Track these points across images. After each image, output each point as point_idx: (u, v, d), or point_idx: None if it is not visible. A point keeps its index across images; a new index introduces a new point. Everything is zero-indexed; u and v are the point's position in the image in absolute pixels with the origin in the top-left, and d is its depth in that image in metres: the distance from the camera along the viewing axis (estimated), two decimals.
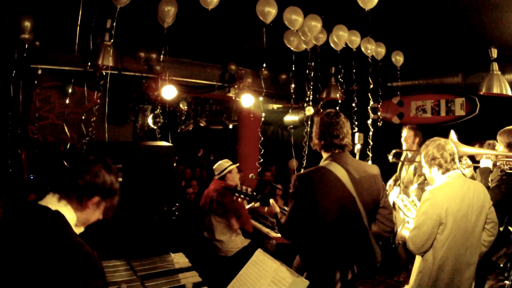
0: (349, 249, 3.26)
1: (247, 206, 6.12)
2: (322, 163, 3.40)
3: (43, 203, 2.09)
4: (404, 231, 3.94)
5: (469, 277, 3.61)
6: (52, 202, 2.10)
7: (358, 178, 3.29)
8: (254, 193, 3.94)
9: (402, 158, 6.73)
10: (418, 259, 3.76)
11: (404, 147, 6.65)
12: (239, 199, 3.91)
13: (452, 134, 4.33)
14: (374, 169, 3.47)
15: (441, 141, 3.74)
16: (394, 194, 4.61)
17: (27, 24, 5.56)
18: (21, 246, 1.92)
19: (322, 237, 3.21)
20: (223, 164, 5.99)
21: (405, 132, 6.63)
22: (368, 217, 3.33)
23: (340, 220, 3.20)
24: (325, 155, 3.45)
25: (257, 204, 6.16)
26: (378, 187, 3.40)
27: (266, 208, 3.84)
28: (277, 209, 3.70)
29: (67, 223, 2.07)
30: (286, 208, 3.76)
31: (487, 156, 4.39)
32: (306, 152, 7.17)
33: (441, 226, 3.51)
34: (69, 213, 2.11)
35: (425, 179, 4.19)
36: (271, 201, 3.76)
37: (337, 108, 6.77)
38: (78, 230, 2.19)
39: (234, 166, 6.02)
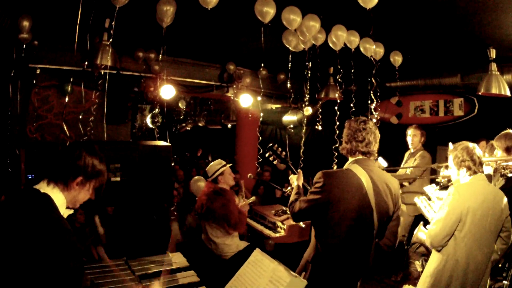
0: (354, 254, 3.31)
1: (246, 202, 6.08)
2: (347, 165, 3.44)
3: (36, 187, 2.29)
4: (420, 233, 4.03)
5: (484, 278, 3.68)
6: (42, 186, 2.29)
7: (380, 187, 3.32)
8: (287, 158, 4.09)
9: (406, 156, 7.04)
10: (434, 254, 3.80)
11: (410, 146, 6.95)
12: (270, 158, 4.02)
13: (450, 146, 4.37)
14: (395, 183, 3.49)
15: (469, 145, 3.82)
16: None
17: (26, 23, 5.55)
18: (8, 224, 2.10)
19: (333, 236, 3.26)
20: (214, 166, 5.77)
21: (412, 131, 6.92)
22: (379, 228, 3.36)
23: (354, 225, 3.24)
24: (350, 159, 3.49)
25: (252, 199, 6.16)
26: (395, 201, 3.42)
27: (291, 176, 4.07)
28: (301, 181, 3.89)
29: (51, 203, 2.23)
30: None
31: (487, 163, 4.41)
32: (303, 151, 7.18)
33: (460, 223, 3.59)
34: (57, 195, 2.29)
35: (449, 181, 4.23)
36: (300, 171, 3.97)
37: (336, 108, 6.82)
38: (68, 211, 2.40)
39: (225, 167, 5.78)
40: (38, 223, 2.09)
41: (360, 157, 3.43)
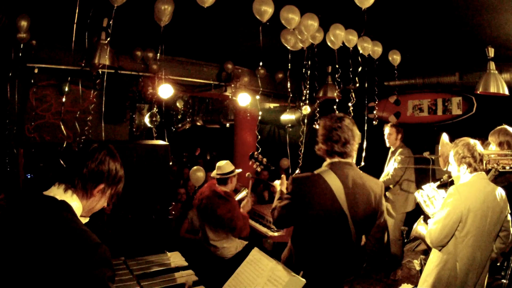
0: (332, 259, 3.21)
1: (238, 197, 5.99)
2: (320, 169, 3.26)
3: (49, 194, 2.06)
4: (420, 227, 4.05)
5: (481, 277, 3.70)
6: (58, 193, 2.07)
7: (354, 192, 3.16)
8: (269, 164, 4.14)
9: (389, 154, 7.18)
10: (435, 253, 3.81)
11: (387, 144, 7.12)
12: (254, 165, 4.06)
13: (444, 136, 4.38)
14: (376, 186, 3.31)
15: (471, 141, 3.81)
16: None
17: (24, 23, 5.54)
18: (28, 237, 1.87)
19: (308, 241, 3.22)
20: (229, 166, 5.58)
21: (387, 130, 7.10)
22: (358, 234, 3.21)
23: (325, 231, 3.16)
24: (327, 160, 3.31)
25: (246, 193, 6.12)
26: (376, 206, 3.26)
27: (275, 181, 4.01)
28: (284, 186, 3.72)
29: (74, 213, 2.04)
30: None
31: None
32: (302, 151, 7.17)
33: (460, 223, 3.59)
34: (75, 203, 2.09)
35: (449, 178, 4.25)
36: (283, 175, 3.85)
37: (334, 107, 6.82)
38: (84, 220, 2.17)
39: (238, 171, 5.68)
40: (65, 236, 1.88)
41: (336, 159, 3.24)
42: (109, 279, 1.92)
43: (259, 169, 4.39)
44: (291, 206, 3.18)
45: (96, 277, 1.86)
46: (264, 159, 4.25)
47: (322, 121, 3.36)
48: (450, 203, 3.64)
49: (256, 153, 4.28)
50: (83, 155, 2.15)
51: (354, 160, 3.34)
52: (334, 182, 3.11)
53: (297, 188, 3.17)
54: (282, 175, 3.84)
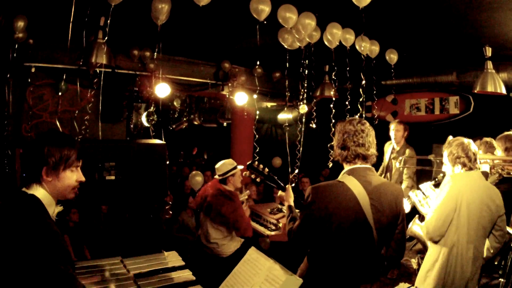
0: (354, 269, 3.04)
1: (241, 199, 5.98)
2: (341, 176, 3.09)
3: (23, 189, 2.29)
4: (415, 226, 4.05)
5: (477, 272, 3.69)
6: (30, 187, 2.28)
7: (379, 201, 2.99)
8: (271, 174, 3.76)
9: (389, 152, 7.12)
10: (432, 248, 3.80)
11: (393, 141, 7.02)
12: (252, 175, 3.75)
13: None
14: (397, 190, 3.13)
15: (465, 141, 3.80)
16: None
17: (21, 23, 5.53)
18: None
19: (329, 253, 3.01)
20: (227, 165, 5.53)
21: (395, 126, 6.98)
22: (380, 242, 3.05)
23: (350, 243, 2.96)
24: (346, 166, 3.14)
25: (246, 194, 6.05)
26: (398, 211, 3.07)
27: (279, 192, 3.71)
28: (291, 199, 3.53)
29: (37, 204, 2.21)
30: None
31: (484, 161, 4.42)
32: (301, 150, 7.18)
33: (455, 212, 3.59)
34: (41, 193, 2.26)
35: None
36: (288, 186, 3.59)
37: (331, 106, 6.82)
38: (58, 209, 2.37)
39: (238, 169, 5.56)
40: (24, 227, 2.08)
41: (357, 165, 3.08)
42: (63, 268, 2.10)
43: (258, 180, 3.94)
44: (310, 219, 2.98)
45: (50, 266, 2.05)
46: (266, 169, 3.82)
47: (341, 125, 3.18)
48: (445, 191, 3.64)
49: (255, 163, 3.78)
50: (27, 152, 2.35)
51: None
52: (357, 188, 2.96)
53: (317, 198, 2.96)
54: (287, 186, 3.60)
